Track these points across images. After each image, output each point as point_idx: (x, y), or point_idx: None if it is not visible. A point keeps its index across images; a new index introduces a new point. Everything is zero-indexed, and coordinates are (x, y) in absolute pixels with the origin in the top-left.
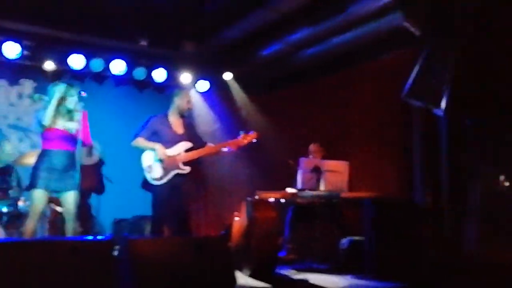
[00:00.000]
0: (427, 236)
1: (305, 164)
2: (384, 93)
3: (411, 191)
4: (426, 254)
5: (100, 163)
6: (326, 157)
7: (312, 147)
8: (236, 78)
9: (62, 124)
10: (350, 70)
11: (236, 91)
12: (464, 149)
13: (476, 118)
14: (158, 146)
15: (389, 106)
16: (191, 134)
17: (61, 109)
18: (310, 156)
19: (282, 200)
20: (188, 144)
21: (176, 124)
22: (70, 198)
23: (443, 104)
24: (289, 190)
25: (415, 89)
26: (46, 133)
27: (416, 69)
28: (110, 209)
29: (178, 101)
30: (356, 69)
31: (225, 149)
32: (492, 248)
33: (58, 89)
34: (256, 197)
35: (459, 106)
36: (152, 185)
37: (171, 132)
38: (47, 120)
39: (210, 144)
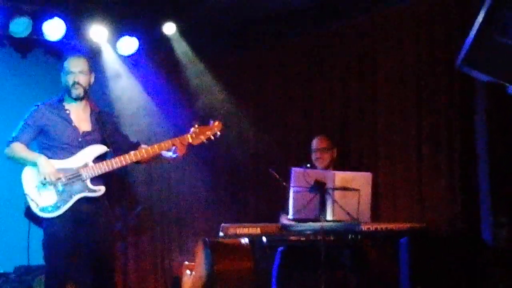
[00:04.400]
0: None
1: (300, 177)
2: (425, 60)
3: (475, 221)
4: None
5: None
6: (338, 161)
7: (316, 143)
8: (183, 31)
9: None
10: (364, 18)
11: (183, 52)
12: None
13: None
14: (41, 159)
15: (433, 82)
16: (106, 130)
17: None
18: (317, 162)
19: (264, 239)
20: (99, 148)
21: (77, 115)
22: None
23: None
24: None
25: (477, 54)
26: None
27: (478, 20)
28: None
29: (63, 76)
30: (376, 17)
31: (167, 153)
32: None
33: None
34: (220, 234)
35: None
36: (41, 218)
37: (70, 129)
38: None
39: (143, 146)
